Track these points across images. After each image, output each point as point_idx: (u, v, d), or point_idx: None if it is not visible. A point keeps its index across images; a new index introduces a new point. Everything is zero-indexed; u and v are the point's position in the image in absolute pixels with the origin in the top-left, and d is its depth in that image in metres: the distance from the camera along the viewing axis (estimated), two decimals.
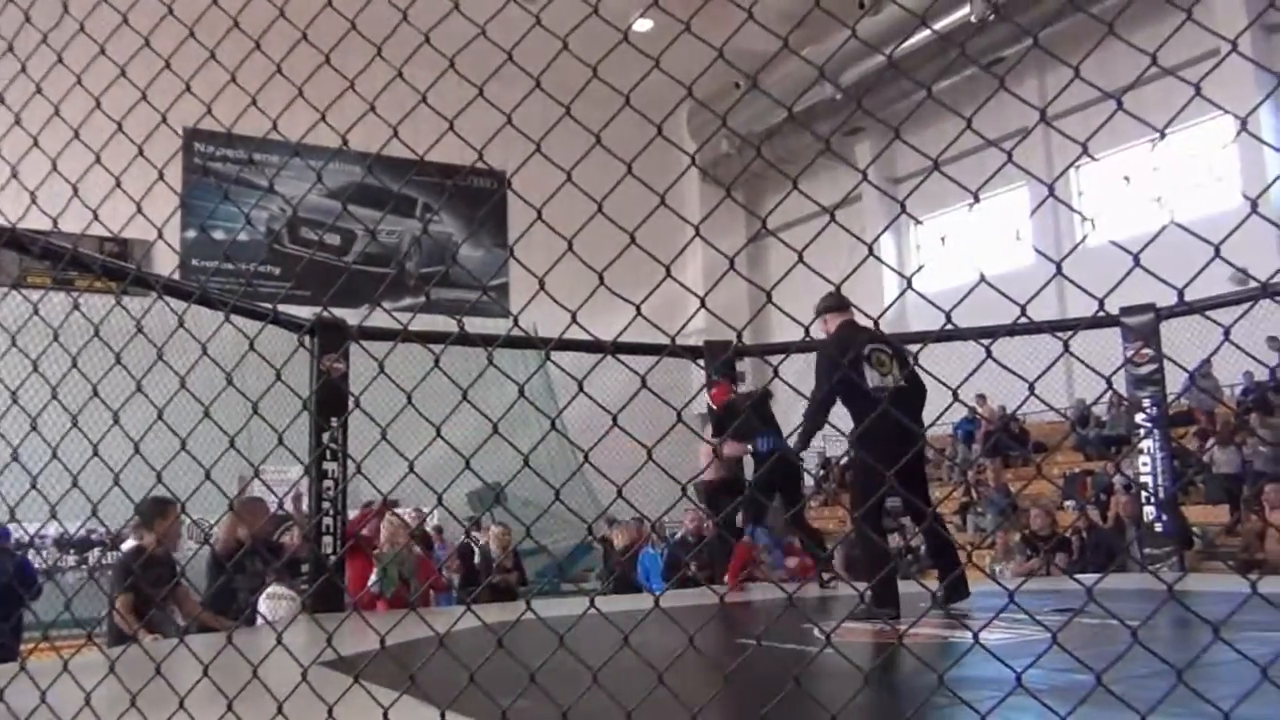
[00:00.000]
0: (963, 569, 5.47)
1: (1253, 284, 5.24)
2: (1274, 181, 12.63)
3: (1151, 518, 9.39)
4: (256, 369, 1.84)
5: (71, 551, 9.99)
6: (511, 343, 2.79)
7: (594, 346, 1.47)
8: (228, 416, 1.91)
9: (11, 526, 7.99)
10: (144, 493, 1.53)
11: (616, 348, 1.40)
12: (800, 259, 1.05)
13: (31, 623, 6.33)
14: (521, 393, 1.31)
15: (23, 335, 1.78)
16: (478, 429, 1.53)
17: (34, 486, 1.51)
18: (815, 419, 5.53)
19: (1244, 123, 1.44)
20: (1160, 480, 9.32)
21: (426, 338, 1.44)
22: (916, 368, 5.25)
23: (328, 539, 7.64)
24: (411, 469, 1.43)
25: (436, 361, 1.41)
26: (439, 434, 1.43)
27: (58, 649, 3.83)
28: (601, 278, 1.16)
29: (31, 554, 10.15)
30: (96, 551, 9.67)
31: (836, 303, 5.81)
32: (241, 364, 1.89)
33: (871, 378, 5.57)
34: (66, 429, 1.58)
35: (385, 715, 1.95)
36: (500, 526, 10.41)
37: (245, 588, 7.56)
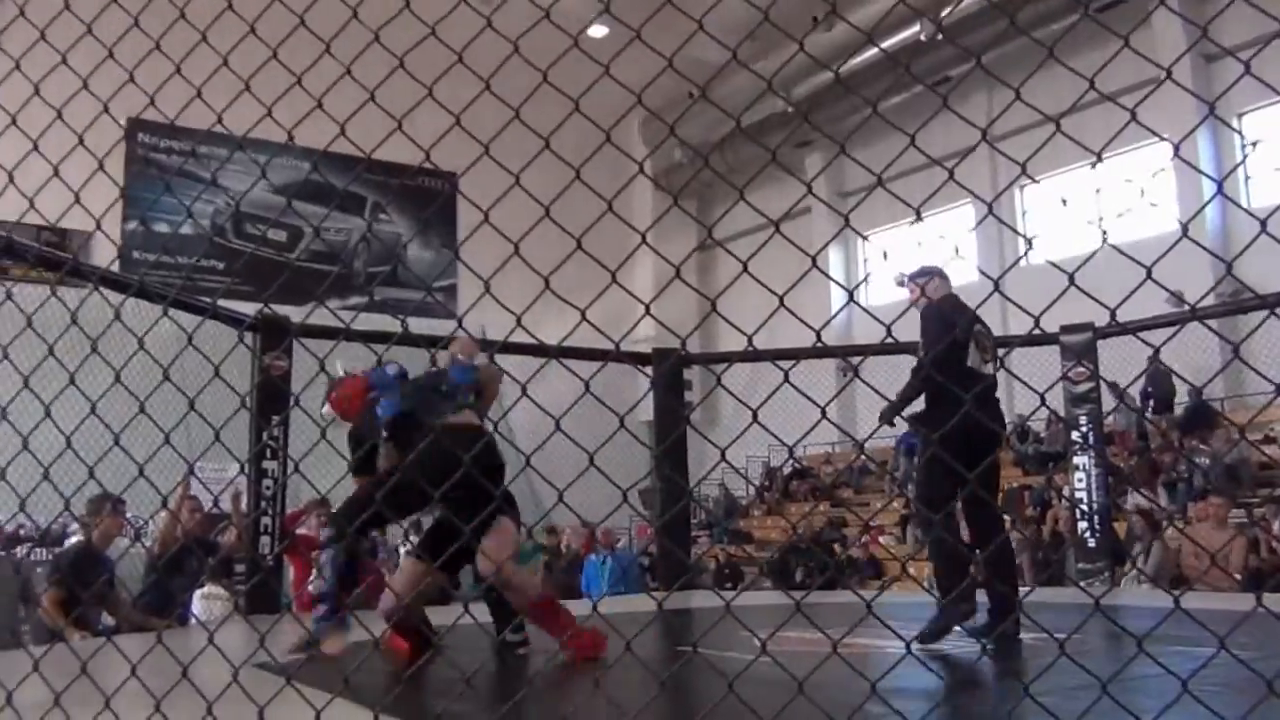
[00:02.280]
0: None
1: (1185, 307, 5.39)
2: (1204, 206, 12.97)
3: (1084, 533, 9.58)
4: (197, 365, 1.81)
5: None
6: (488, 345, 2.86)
7: (540, 350, 1.46)
8: (166, 413, 1.87)
9: None
10: (76, 488, 1.50)
11: (563, 352, 1.40)
12: (745, 269, 1.06)
13: None
14: (475, 394, 1.31)
15: None
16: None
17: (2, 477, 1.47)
18: (920, 387, 4.93)
19: (1177, 148, 1.48)
20: (1094, 496, 9.51)
21: (370, 337, 1.43)
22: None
23: (265, 539, 7.52)
24: (351, 469, 1.42)
25: (379, 361, 1.39)
26: (380, 434, 1.42)
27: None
28: (547, 282, 1.16)
29: None
30: (24, 548, 9.42)
31: (939, 270, 5.39)
32: (181, 360, 1.86)
33: (973, 359, 5.05)
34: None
35: (318, 717, 1.92)
36: None
37: (181, 588, 7.43)
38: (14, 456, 1.44)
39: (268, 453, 7.71)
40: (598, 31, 15.92)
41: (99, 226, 1.53)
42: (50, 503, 1.56)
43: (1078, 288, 0.95)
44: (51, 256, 6.01)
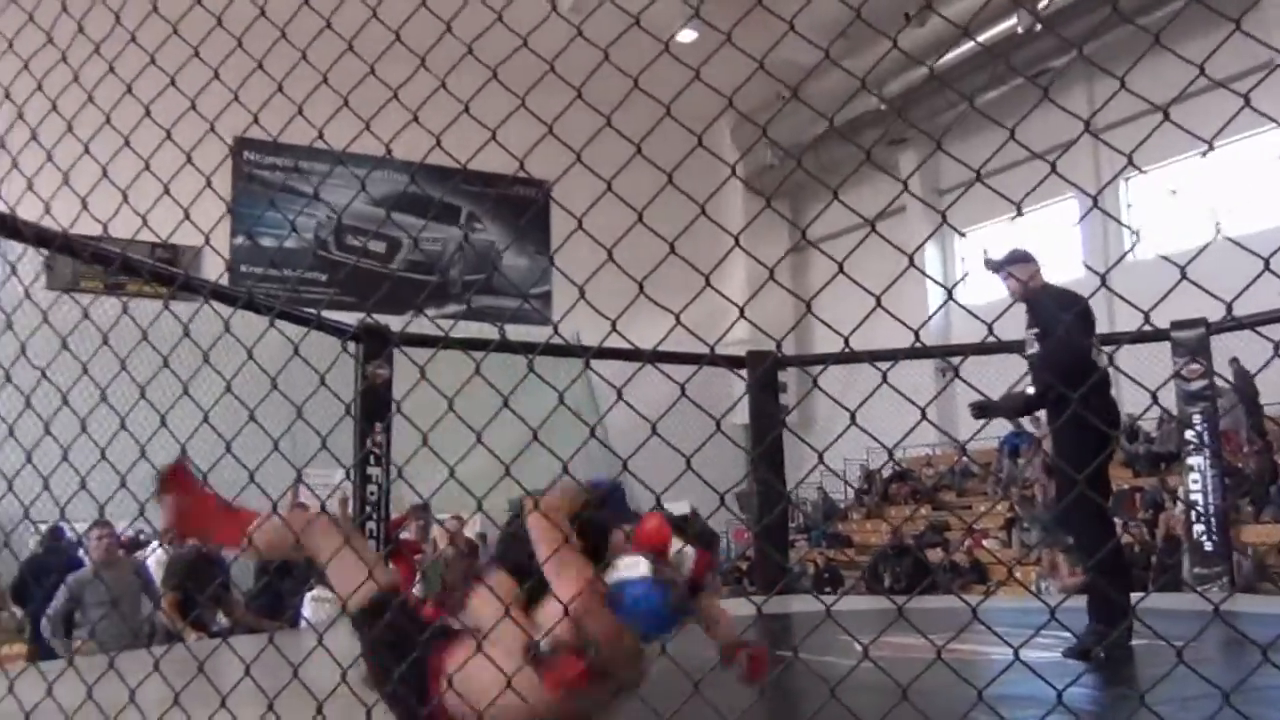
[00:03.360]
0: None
1: None
2: None
3: (1200, 536, 9.22)
4: (303, 374, 1.86)
5: (121, 551, 10.15)
6: (552, 350, 2.78)
7: (634, 355, 1.47)
8: (274, 421, 1.93)
9: (63, 525, 8.13)
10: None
11: (658, 356, 1.40)
12: (840, 269, 1.04)
13: (81, 620, 6.42)
14: (561, 399, 1.32)
15: (73, 338, 1.82)
16: (520, 436, 1.54)
17: (83, 486, 1.53)
18: (1056, 382, 4.46)
19: None
20: (1210, 498, 9.15)
21: (468, 344, 1.45)
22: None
23: (370, 543, 7.70)
24: (452, 474, 1.44)
25: (477, 368, 1.41)
26: (479, 440, 1.44)
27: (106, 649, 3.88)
28: (641, 286, 1.16)
29: (82, 552, 10.32)
30: (144, 551, 9.79)
31: (1033, 256, 5.01)
32: (287, 369, 1.91)
33: (1093, 351, 4.74)
34: (115, 431, 1.61)
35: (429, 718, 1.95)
36: None
37: (291, 591, 7.65)
38: (132, 464, 1.50)
39: (371, 459, 7.89)
40: (686, 37, 15.93)
41: (208, 241, 1.59)
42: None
43: (1191, 281, 0.92)
44: (164, 271, 6.24)
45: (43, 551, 8.09)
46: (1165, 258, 0.96)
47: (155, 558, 9.39)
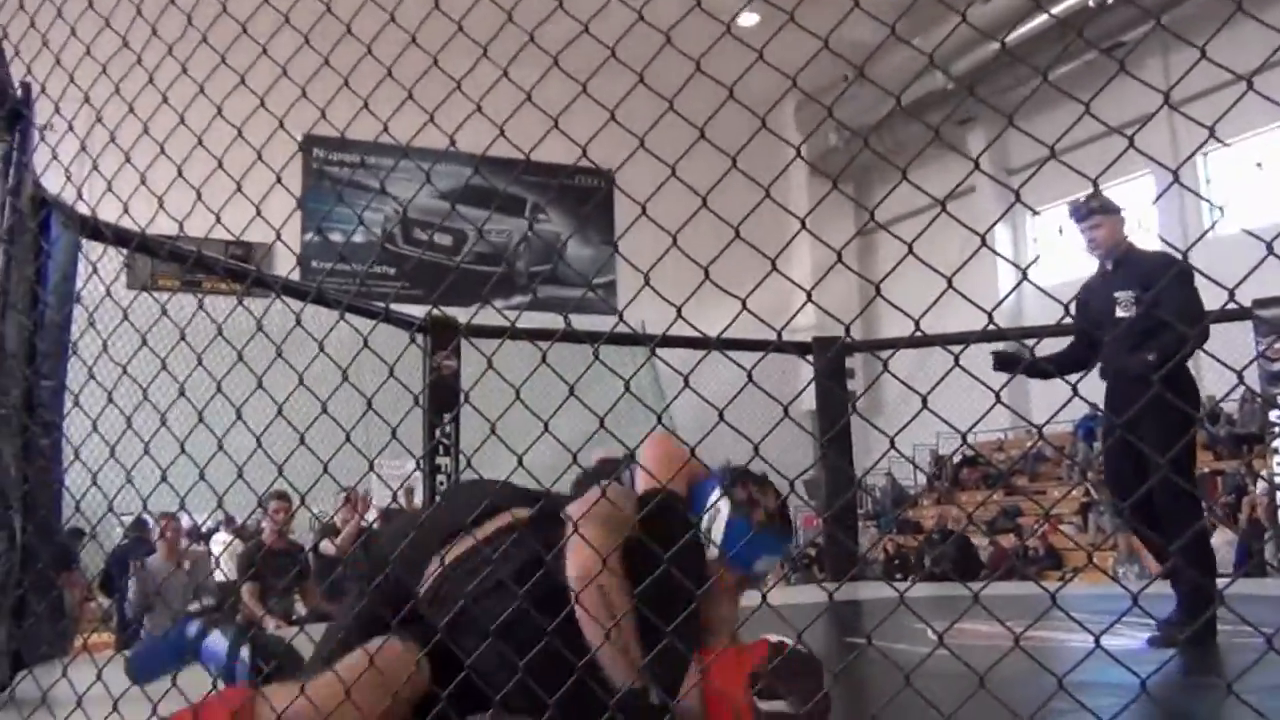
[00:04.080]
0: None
1: None
2: None
3: None
4: (373, 367, 1.88)
5: (202, 541, 10.42)
6: (617, 339, 2.76)
7: (700, 343, 1.46)
8: (345, 413, 1.96)
9: (146, 516, 8.36)
10: (266, 485, 1.59)
11: (723, 343, 1.39)
12: (910, 250, 1.02)
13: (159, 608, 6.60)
14: (627, 388, 1.32)
15: (152, 335, 1.86)
16: (587, 425, 1.54)
17: (164, 479, 1.57)
18: (1186, 346, 4.08)
19: None
20: None
21: (534, 334, 1.45)
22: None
23: None
24: (520, 463, 1.45)
25: (544, 357, 1.42)
26: (546, 428, 1.45)
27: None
28: (707, 272, 1.16)
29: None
30: (227, 539, 10.04)
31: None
32: (358, 362, 1.94)
33: None
34: (193, 424, 1.64)
35: (500, 700, 1.97)
36: None
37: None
38: (210, 458, 1.53)
39: (440, 449, 7.99)
40: (748, 20, 15.80)
41: (279, 237, 1.61)
42: (244, 500, 1.66)
43: (1278, 256, 0.88)
44: (237, 268, 6.37)
45: (128, 543, 8.33)
46: (1249, 232, 0.92)
47: (221, 543, 9.61)
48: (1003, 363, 4.46)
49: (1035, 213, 19.71)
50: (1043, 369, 4.46)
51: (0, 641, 3.43)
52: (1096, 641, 1.22)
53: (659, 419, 1.47)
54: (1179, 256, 4.65)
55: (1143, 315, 4.39)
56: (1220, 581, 4.46)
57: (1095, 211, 4.59)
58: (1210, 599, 4.13)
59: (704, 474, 2.35)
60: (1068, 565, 12.94)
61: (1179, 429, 4.24)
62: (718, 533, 2.23)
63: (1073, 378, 1.26)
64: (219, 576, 9.45)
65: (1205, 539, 4.59)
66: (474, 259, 20.83)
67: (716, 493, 2.26)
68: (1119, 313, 4.46)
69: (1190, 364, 4.59)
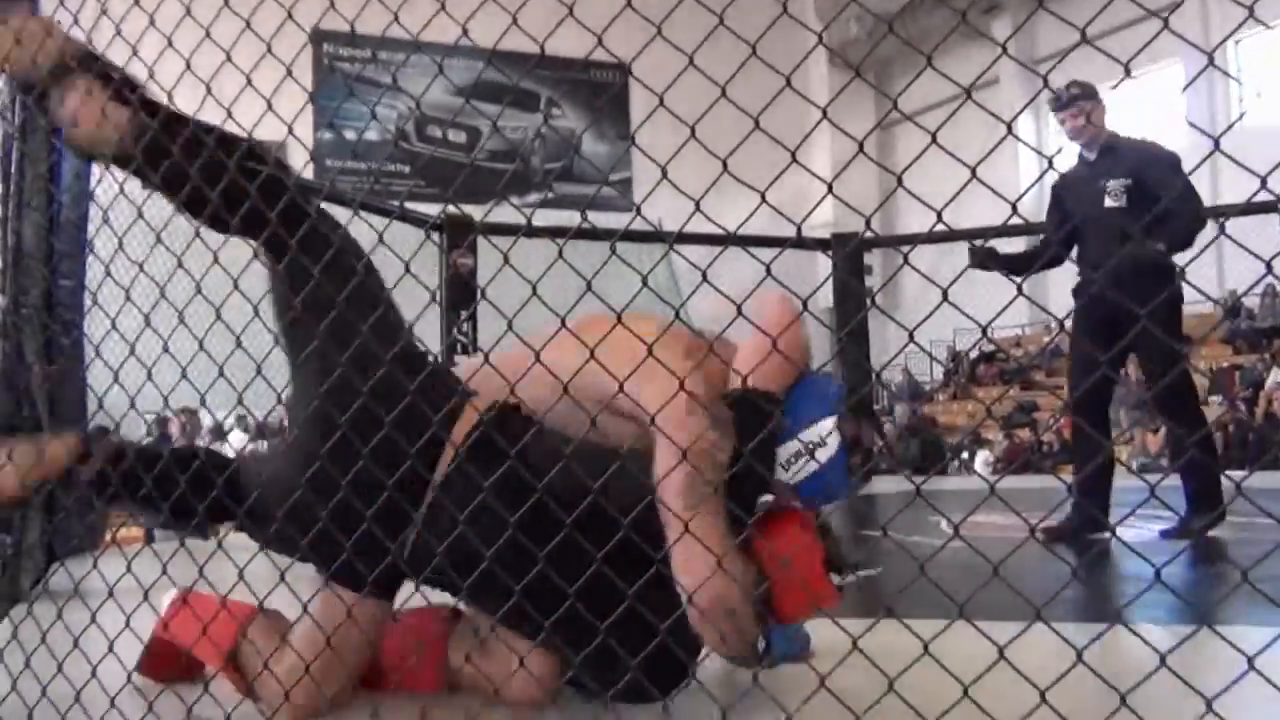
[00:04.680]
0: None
1: None
2: None
3: None
4: (387, 265, 1.87)
5: (224, 440, 10.59)
6: (634, 235, 2.71)
7: (717, 239, 1.44)
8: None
9: (169, 414, 8.47)
10: (284, 383, 1.60)
11: (740, 239, 1.38)
12: (934, 140, 1.00)
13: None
14: (645, 283, 1.31)
15: (166, 233, 1.86)
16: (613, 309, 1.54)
17: (184, 376, 1.58)
18: (1189, 232, 4.09)
19: None
20: None
21: (550, 232, 1.44)
22: None
23: None
24: (538, 359, 1.45)
25: (560, 253, 1.41)
26: (564, 324, 1.44)
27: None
28: (725, 164, 1.14)
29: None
30: (245, 439, 10.19)
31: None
32: (373, 260, 1.94)
33: None
34: (211, 322, 1.65)
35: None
36: None
37: None
38: (229, 354, 1.54)
39: (458, 346, 8.03)
40: None
41: (291, 132, 1.59)
42: (264, 399, 1.67)
43: None
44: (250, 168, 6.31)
45: (153, 440, 8.46)
46: None
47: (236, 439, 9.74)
48: (980, 260, 4.33)
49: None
50: (1018, 266, 4.42)
51: (33, 536, 3.52)
52: (1112, 532, 1.23)
53: (676, 314, 1.46)
54: (1170, 148, 4.46)
55: (1137, 205, 4.23)
56: (1237, 473, 4.46)
57: (1078, 98, 4.43)
58: (1218, 489, 4.16)
59: (808, 373, 1.87)
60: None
61: (1175, 323, 4.25)
62: (807, 467, 1.75)
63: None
64: None
65: (1210, 438, 4.55)
66: (488, 156, 20.61)
67: (829, 423, 1.74)
68: (1109, 202, 4.29)
69: (1212, 254, 4.54)
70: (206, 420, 10.76)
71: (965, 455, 13.27)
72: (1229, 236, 0.93)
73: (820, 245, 8.53)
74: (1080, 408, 4.47)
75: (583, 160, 21.14)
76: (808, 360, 1.88)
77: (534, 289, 1.38)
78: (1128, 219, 4.20)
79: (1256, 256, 0.89)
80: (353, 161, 19.58)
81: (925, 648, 1.17)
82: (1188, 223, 4.16)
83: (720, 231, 1.27)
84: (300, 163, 14.04)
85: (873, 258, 11.56)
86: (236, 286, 1.57)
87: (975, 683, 1.10)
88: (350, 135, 19.79)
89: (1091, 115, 4.40)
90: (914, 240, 8.15)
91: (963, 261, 1.31)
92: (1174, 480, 4.34)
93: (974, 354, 18.50)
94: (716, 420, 1.61)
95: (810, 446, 1.75)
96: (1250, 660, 0.95)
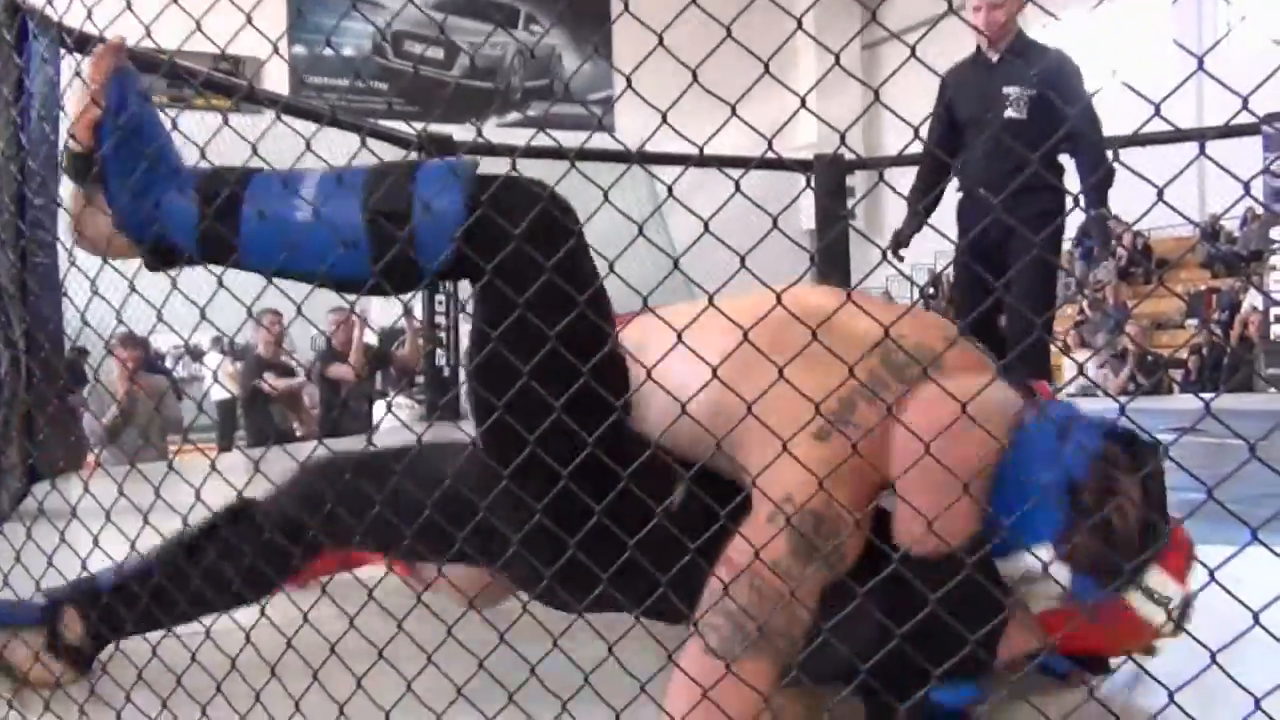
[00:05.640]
0: None
1: None
2: None
3: (1279, 336, 9.07)
4: None
5: (202, 361, 10.61)
6: (605, 155, 2.63)
7: (695, 160, 1.43)
8: None
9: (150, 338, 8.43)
10: (258, 303, 1.58)
11: (719, 160, 1.37)
12: (913, 53, 1.00)
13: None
14: (607, 199, 1.30)
15: None
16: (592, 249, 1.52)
17: (162, 311, 1.56)
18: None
19: None
20: None
21: (533, 153, 1.42)
22: None
23: (441, 352, 7.81)
24: (713, 373, 1.42)
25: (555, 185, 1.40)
26: (747, 336, 1.42)
27: (203, 450, 4.07)
28: (695, 75, 1.12)
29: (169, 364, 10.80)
30: (220, 359, 10.15)
31: None
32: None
33: None
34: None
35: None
36: None
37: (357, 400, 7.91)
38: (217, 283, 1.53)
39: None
40: None
41: (276, 50, 1.56)
42: (234, 320, 1.65)
43: None
44: (223, 82, 6.16)
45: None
46: (1278, 41, 0.88)
47: (222, 368, 9.70)
48: (897, 243, 3.94)
49: (1042, 25, 19.09)
50: (924, 211, 3.91)
51: (14, 455, 3.53)
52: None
53: (640, 229, 1.45)
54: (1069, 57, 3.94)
55: (1037, 121, 3.80)
56: (1207, 395, 4.55)
57: None
58: None
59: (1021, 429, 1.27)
60: (1060, 381, 13.15)
61: (1055, 249, 3.93)
62: (1039, 591, 1.32)
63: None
64: (217, 395, 9.58)
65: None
66: (468, 74, 20.25)
67: (1048, 550, 1.23)
68: (1009, 113, 3.82)
69: (1193, 178, 4.40)
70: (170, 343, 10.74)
71: None
72: (1209, 158, 0.93)
73: (801, 166, 8.46)
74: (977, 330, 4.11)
75: (559, 80, 20.79)
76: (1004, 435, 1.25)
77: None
78: (1028, 134, 3.75)
79: (1234, 177, 0.90)
80: (330, 78, 19.20)
81: None
82: (1103, 155, 3.74)
83: (700, 151, 1.26)
84: (277, 81, 13.76)
85: (856, 180, 11.52)
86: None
87: None
88: (327, 52, 19.39)
89: (1009, 9, 3.81)
90: (895, 162, 8.07)
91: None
92: None
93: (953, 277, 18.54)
94: (819, 553, 1.16)
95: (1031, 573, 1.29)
96: (1211, 573, 0.98)
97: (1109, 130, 3.86)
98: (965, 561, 1.12)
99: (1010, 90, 3.80)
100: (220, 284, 1.40)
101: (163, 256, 1.48)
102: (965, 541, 1.19)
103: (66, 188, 1.57)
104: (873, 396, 1.19)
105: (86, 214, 1.51)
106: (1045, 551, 1.23)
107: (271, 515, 1.60)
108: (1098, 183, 3.75)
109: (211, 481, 1.42)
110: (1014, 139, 3.66)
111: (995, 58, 3.91)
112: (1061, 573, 1.23)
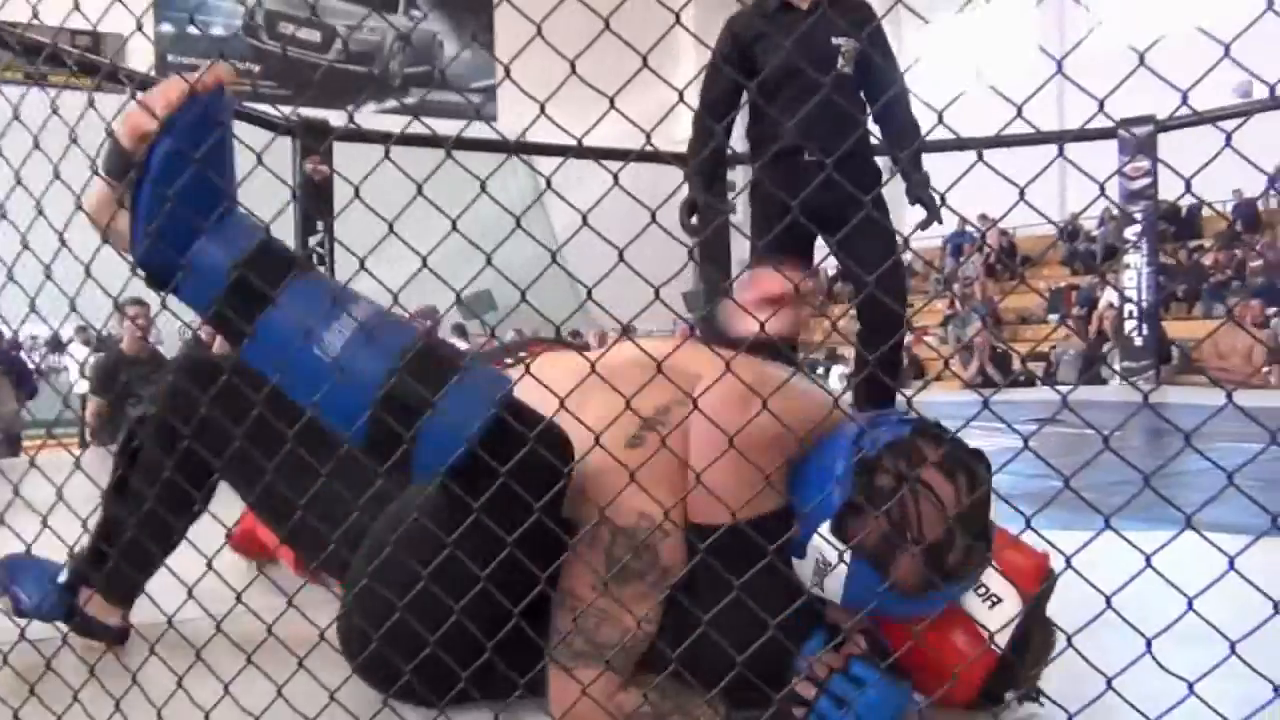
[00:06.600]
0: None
1: (1257, 98, 5.03)
2: None
3: (1131, 331, 9.54)
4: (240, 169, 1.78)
5: (62, 352, 10.11)
6: (484, 145, 2.58)
7: (578, 152, 1.43)
8: None
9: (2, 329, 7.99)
10: (124, 292, 1.50)
11: (591, 151, 1.36)
12: (788, 51, 1.01)
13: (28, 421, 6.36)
14: (484, 189, 1.29)
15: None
16: (465, 237, 1.49)
17: (35, 298, 1.48)
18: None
19: None
20: (1143, 295, 9.43)
21: (414, 140, 1.40)
22: None
23: None
24: (426, 268, 1.41)
25: (422, 179, 1.37)
26: (427, 256, 1.41)
27: (65, 445, 3.88)
28: (573, 66, 1.12)
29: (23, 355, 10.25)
30: (86, 351, 9.71)
31: None
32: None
33: None
34: (63, 226, 1.54)
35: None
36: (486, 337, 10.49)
37: None
38: (14, 257, 1.45)
39: (314, 258, 7.77)
40: None
41: (140, 28, 1.49)
42: (102, 311, 1.59)
43: (1147, 68, 0.90)
44: (91, 62, 5.89)
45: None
46: (1133, 48, 0.93)
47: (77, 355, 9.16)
48: (692, 210, 3.79)
49: (926, 21, 19.64)
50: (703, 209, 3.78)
51: None
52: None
53: (517, 221, 1.43)
54: None
55: (858, 75, 3.46)
56: (1063, 388, 4.75)
57: None
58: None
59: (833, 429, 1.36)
60: (929, 374, 13.59)
61: (890, 231, 3.52)
62: (830, 586, 1.30)
63: (950, 194, 1.25)
64: (80, 389, 9.15)
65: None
66: (346, 59, 19.77)
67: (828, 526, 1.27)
68: (842, 66, 3.41)
69: (1054, 179, 4.47)
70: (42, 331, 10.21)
71: (821, 371, 13.67)
72: (1068, 160, 0.97)
73: (677, 160, 8.50)
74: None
75: (439, 70, 20.48)
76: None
77: (396, 219, 1.35)
78: (852, 92, 3.46)
79: (1091, 178, 0.94)
80: (197, 59, 18.50)
81: None
82: (914, 118, 3.43)
83: (578, 142, 1.26)
84: (140, 59, 13.19)
85: (736, 175, 11.65)
86: (79, 204, 1.48)
87: None
88: (195, 31, 18.68)
89: None
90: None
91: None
92: None
93: (831, 271, 18.95)
94: (631, 568, 1.30)
95: (824, 564, 1.29)
96: (1068, 559, 1.02)
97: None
98: (766, 549, 1.17)
99: (840, 41, 3.40)
100: (88, 274, 1.34)
101: (162, 286, 1.34)
102: (760, 520, 1.26)
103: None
104: (686, 399, 1.26)
105: (104, 208, 1.38)
106: (826, 528, 1.27)
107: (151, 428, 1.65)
108: (915, 147, 3.48)
109: (74, 479, 1.36)
110: (842, 100, 3.24)
111: (805, 4, 3.51)
112: (834, 555, 1.27)
